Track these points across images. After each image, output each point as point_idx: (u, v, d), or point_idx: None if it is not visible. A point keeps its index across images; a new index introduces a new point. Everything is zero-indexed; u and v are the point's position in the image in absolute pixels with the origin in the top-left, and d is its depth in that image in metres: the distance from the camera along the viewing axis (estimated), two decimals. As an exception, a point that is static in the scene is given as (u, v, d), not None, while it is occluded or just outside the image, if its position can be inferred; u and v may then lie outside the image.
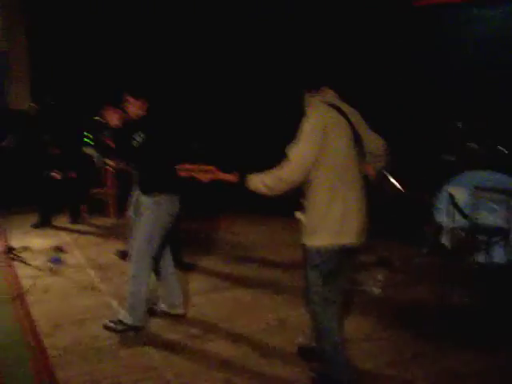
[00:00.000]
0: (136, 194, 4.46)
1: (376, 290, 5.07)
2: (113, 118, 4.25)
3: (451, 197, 5.56)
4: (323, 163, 3.05)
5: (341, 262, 3.20)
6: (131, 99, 4.27)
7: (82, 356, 3.83)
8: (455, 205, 5.53)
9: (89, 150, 8.47)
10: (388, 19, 7.59)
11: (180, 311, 4.54)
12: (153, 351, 3.92)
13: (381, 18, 7.60)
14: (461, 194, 5.65)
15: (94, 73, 8.45)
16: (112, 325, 4.24)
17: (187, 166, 3.36)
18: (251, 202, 7.85)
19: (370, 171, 3.36)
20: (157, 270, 4.50)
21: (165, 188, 4.22)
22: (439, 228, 5.97)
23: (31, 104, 6.18)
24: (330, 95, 3.26)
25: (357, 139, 3.16)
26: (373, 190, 3.31)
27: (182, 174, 3.38)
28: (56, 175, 7.27)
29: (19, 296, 4.87)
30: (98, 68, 8.50)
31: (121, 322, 4.22)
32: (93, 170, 8.39)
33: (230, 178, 3.27)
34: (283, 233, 7.21)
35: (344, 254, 3.18)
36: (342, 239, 3.11)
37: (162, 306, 4.56)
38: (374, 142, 3.35)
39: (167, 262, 4.51)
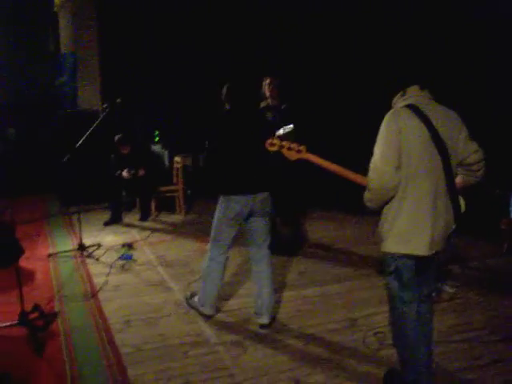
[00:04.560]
0: None
1: (450, 289, 4.88)
2: None
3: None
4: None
5: (420, 270, 3.02)
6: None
7: (153, 354, 3.87)
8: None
9: (157, 148, 8.66)
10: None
11: (262, 321, 4.33)
12: (222, 350, 3.92)
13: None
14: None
15: (163, 72, 8.59)
16: (188, 296, 4.64)
17: (277, 141, 3.38)
18: (320, 198, 7.88)
19: (458, 184, 3.08)
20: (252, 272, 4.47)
21: (223, 191, 4.24)
22: (516, 225, 5.71)
23: (118, 100, 6.31)
24: (417, 96, 3.02)
25: (441, 147, 2.93)
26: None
27: (272, 148, 3.42)
28: (126, 174, 7.41)
29: (92, 294, 4.98)
30: (167, 67, 8.63)
31: (193, 300, 4.55)
32: (161, 167, 8.55)
33: (320, 161, 3.23)
34: (354, 229, 7.10)
35: (422, 262, 3.00)
36: (411, 249, 2.94)
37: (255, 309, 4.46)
38: (471, 155, 3.03)
39: (260, 266, 4.36)
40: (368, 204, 3.02)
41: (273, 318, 4.38)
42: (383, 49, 7.66)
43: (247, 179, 4.19)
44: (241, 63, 8.45)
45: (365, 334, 4.12)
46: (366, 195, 3.00)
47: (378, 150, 2.92)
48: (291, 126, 5.46)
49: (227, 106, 4.29)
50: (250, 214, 4.24)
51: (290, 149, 3.34)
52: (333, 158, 3.22)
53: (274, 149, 3.42)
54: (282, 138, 5.22)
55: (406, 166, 2.88)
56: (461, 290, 4.92)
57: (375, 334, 4.08)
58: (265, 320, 4.31)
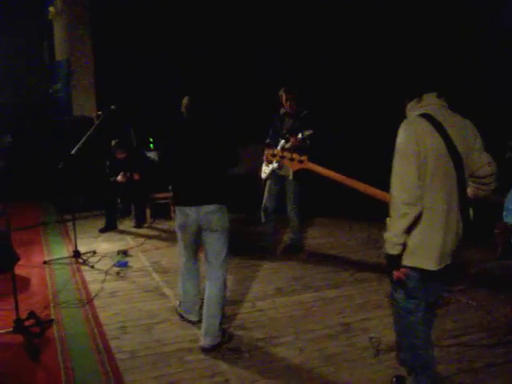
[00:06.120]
0: None
1: (445, 294, 4.90)
2: None
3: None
4: None
5: (426, 282, 2.99)
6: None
7: (149, 360, 3.87)
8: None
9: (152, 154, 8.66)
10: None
11: (200, 342, 4.06)
12: (218, 356, 3.92)
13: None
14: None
15: (157, 78, 8.60)
16: (177, 304, 4.61)
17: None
18: (315, 204, 7.90)
19: (469, 195, 3.00)
20: None
21: (173, 200, 4.33)
22: (510, 230, 5.72)
23: (112, 107, 6.31)
24: (434, 104, 2.91)
25: (455, 158, 2.82)
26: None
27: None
28: (121, 178, 7.41)
29: (88, 300, 4.98)
30: (160, 73, 8.64)
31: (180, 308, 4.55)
32: (156, 174, 8.53)
33: (322, 170, 3.24)
34: (349, 235, 7.11)
35: (429, 276, 2.95)
36: (419, 262, 2.88)
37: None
38: (482, 167, 2.96)
39: (208, 285, 4.16)
40: (403, 221, 2.77)
41: (213, 346, 4.00)
42: (401, 53, 7.71)
43: (191, 191, 4.06)
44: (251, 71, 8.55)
45: (360, 339, 4.13)
46: (393, 215, 2.79)
47: (398, 162, 2.80)
48: (310, 130, 5.57)
49: (184, 117, 4.21)
50: (200, 228, 4.10)
51: (291, 159, 3.38)
52: (350, 162, 3.26)
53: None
54: (284, 149, 5.29)
55: (422, 178, 2.78)
56: (455, 294, 4.94)
57: (371, 338, 4.09)
58: (201, 342, 4.04)
